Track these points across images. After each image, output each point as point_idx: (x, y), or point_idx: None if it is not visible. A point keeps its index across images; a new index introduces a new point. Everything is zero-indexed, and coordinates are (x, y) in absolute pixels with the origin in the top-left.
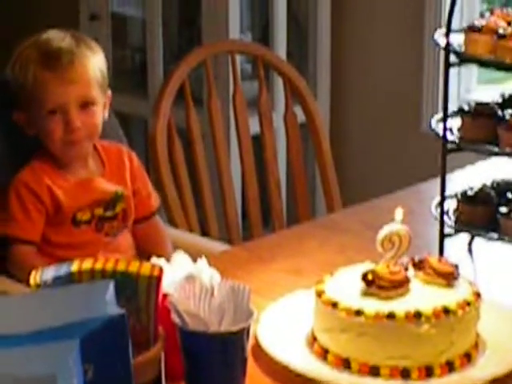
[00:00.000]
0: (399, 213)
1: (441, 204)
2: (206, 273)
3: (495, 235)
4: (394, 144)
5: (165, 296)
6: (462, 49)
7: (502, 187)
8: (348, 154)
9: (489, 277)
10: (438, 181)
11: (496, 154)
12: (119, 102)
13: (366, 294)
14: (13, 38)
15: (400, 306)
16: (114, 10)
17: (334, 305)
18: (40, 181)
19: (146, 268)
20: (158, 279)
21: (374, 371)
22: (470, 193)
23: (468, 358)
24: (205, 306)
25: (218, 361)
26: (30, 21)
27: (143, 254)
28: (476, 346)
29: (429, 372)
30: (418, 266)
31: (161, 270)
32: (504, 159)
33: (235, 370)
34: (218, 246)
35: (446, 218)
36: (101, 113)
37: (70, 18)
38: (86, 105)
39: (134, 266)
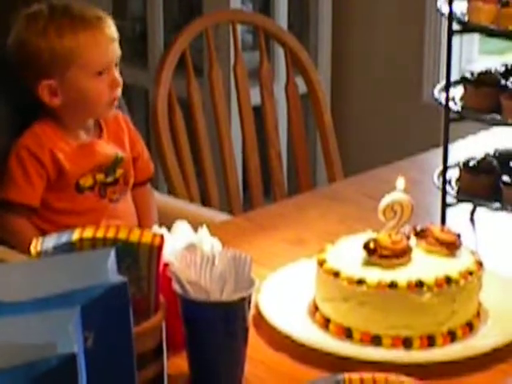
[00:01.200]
0: (401, 182)
1: (443, 173)
2: (207, 242)
3: (497, 205)
4: (395, 114)
5: (166, 265)
6: (466, 17)
7: (504, 157)
8: (349, 125)
9: (491, 246)
10: (438, 151)
11: (499, 123)
12: (119, 71)
13: (367, 263)
14: (8, 8)
15: (402, 275)
16: None
17: (336, 274)
18: (42, 144)
19: (147, 237)
20: (159, 248)
21: (376, 340)
22: (472, 162)
23: (470, 327)
24: (206, 274)
25: (219, 330)
26: None
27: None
28: (478, 315)
29: (431, 341)
30: (420, 235)
31: (162, 238)
32: (507, 129)
33: (236, 339)
34: (219, 216)
35: (448, 187)
36: None
37: None
38: (116, 64)
39: (135, 235)
